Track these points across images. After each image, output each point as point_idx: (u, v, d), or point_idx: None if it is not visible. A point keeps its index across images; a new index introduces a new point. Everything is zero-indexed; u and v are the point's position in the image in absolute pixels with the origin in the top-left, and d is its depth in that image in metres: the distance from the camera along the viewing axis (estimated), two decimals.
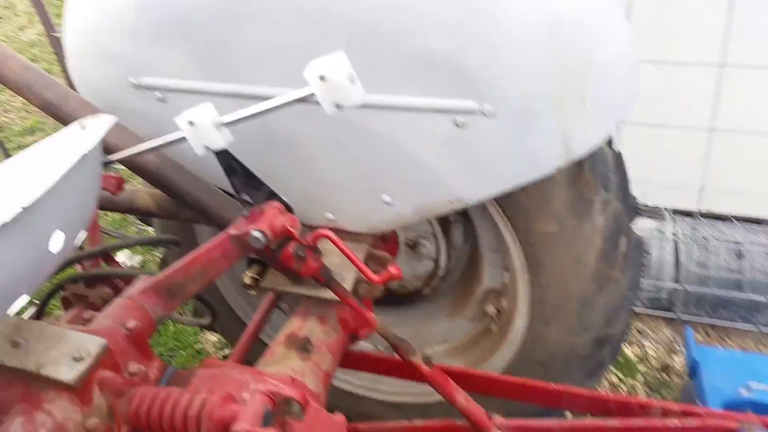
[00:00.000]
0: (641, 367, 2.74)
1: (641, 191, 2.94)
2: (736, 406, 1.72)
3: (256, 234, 1.32)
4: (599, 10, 1.35)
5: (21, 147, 4.68)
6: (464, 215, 2.03)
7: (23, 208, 0.86)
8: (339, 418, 1.32)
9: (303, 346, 1.55)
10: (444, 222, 2.10)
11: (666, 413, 1.56)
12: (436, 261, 2.14)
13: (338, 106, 1.15)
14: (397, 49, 1.35)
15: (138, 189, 1.88)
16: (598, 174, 1.67)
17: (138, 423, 1.16)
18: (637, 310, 2.92)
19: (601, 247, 1.70)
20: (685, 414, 1.53)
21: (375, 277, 1.39)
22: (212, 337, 3.00)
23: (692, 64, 2.42)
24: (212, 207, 1.65)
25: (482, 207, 1.77)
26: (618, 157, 1.75)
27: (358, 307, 1.51)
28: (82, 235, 1.21)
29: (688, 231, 2.81)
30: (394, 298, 2.27)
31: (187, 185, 1.67)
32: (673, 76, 2.65)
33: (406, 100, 1.43)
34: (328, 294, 1.58)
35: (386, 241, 2.08)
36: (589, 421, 1.58)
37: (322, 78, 1.09)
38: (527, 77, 1.35)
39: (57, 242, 1.02)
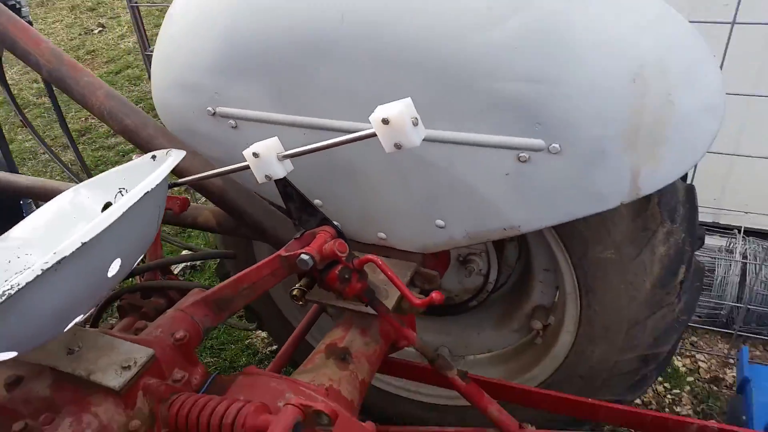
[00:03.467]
0: (689, 378, 2.65)
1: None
2: None
3: (305, 257, 1.33)
4: (689, 57, 1.26)
5: (104, 147, 4.89)
6: (520, 236, 1.98)
7: (83, 243, 0.89)
8: (369, 426, 1.34)
9: (342, 356, 1.56)
10: (498, 241, 2.05)
11: (703, 431, 1.50)
12: (486, 276, 2.10)
13: (398, 146, 1.13)
14: (470, 92, 1.32)
15: (200, 206, 1.92)
16: (666, 206, 1.58)
17: (177, 427, 1.20)
18: (694, 324, 2.81)
19: (659, 275, 1.63)
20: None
21: (417, 301, 1.38)
22: (261, 334, 3.07)
23: None
24: (269, 227, 1.70)
25: (538, 231, 1.72)
26: (689, 190, 1.65)
27: (398, 325, 1.51)
28: (140, 258, 1.24)
29: (760, 251, 2.66)
30: (440, 307, 2.25)
31: (247, 206, 1.72)
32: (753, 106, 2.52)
33: (472, 136, 1.39)
34: (370, 309, 1.58)
35: (437, 257, 2.06)
36: None
37: (385, 121, 1.07)
38: (602, 121, 1.28)
39: (114, 269, 1.04)
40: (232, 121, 1.61)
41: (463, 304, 2.21)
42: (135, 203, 0.99)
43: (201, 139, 1.67)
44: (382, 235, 1.74)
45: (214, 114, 1.62)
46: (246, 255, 2.13)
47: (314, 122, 1.51)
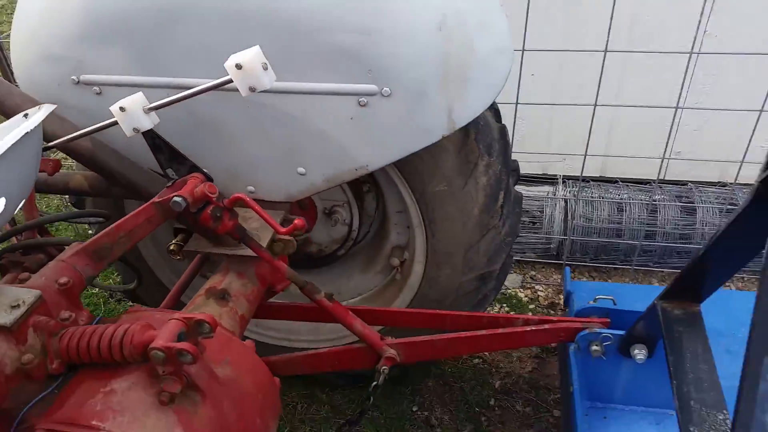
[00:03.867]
0: (531, 306, 3.11)
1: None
2: (585, 313, 1.99)
3: (177, 199, 1.50)
4: (481, 9, 1.60)
5: None
6: (375, 184, 2.25)
7: None
8: (249, 343, 1.54)
9: (221, 296, 1.75)
10: (357, 191, 2.31)
11: (527, 323, 1.86)
12: (350, 226, 2.36)
13: (252, 90, 1.33)
14: (309, 44, 1.57)
15: (72, 172, 2.00)
16: (482, 142, 1.93)
17: (69, 356, 1.32)
18: (531, 259, 3.28)
19: (484, 202, 1.98)
20: (542, 322, 1.84)
21: (282, 229, 1.60)
22: None
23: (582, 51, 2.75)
24: (141, 184, 1.82)
25: (387, 175, 2.00)
26: (502, 129, 2.02)
27: (269, 257, 1.72)
28: (22, 203, 1.35)
29: (576, 190, 3.17)
30: (313, 260, 2.49)
31: (119, 166, 1.84)
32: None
33: (317, 86, 1.64)
34: (245, 251, 1.78)
35: (305, 209, 2.29)
36: (463, 332, 1.86)
37: (238, 66, 1.27)
38: (419, 65, 1.59)
39: (0, 206, 1.16)
40: (96, 88, 1.72)
41: (332, 254, 2.46)
42: (14, 143, 1.12)
43: (67, 110, 1.76)
44: (251, 188, 1.94)
45: (78, 82, 1.73)
46: (118, 216, 2.21)
47: (174, 82, 1.67)
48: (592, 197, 3.15)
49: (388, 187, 2.21)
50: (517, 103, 2.68)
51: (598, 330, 1.77)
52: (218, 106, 1.75)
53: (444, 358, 2.00)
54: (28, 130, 1.16)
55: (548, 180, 3.37)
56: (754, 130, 2.58)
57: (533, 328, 1.83)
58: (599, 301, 1.93)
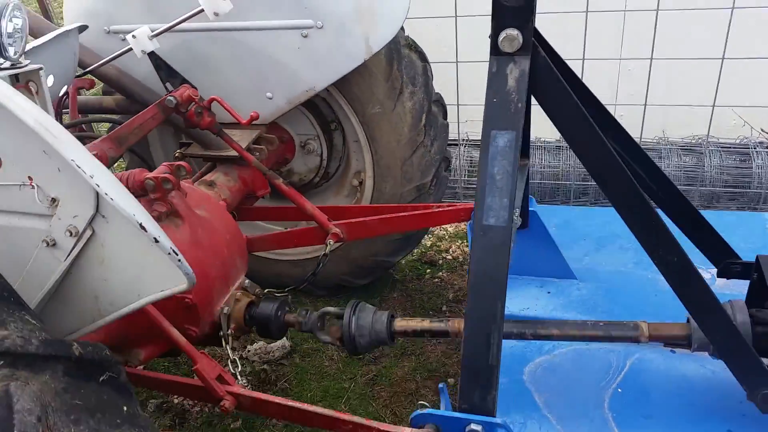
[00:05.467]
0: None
1: None
2: None
3: (170, 98, 2.17)
4: None
5: None
6: (339, 122, 2.87)
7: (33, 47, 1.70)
8: (222, 203, 2.18)
9: (209, 184, 2.40)
10: (325, 127, 2.93)
11: (439, 207, 2.39)
12: (321, 156, 2.99)
13: (216, 14, 2.00)
14: None
15: (103, 96, 2.73)
16: (408, 74, 2.54)
17: None
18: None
19: (411, 122, 2.57)
20: (450, 206, 2.37)
21: (242, 120, 2.24)
22: None
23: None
24: (151, 101, 2.50)
25: (342, 110, 2.63)
26: (425, 68, 2.63)
27: (239, 147, 2.36)
28: (66, 87, 2.04)
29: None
30: (296, 190, 3.11)
31: (137, 87, 2.54)
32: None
33: (270, 22, 2.30)
34: (230, 152, 2.43)
35: (285, 142, 2.94)
36: (389, 214, 2.41)
37: None
38: (340, 3, 2.23)
39: (51, 81, 1.85)
40: (121, 35, 2.43)
41: (310, 183, 3.08)
42: (57, 35, 1.81)
43: (103, 53, 2.47)
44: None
45: (108, 32, 2.44)
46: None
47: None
48: None
49: (345, 121, 2.82)
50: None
51: None
52: (206, 45, 2.44)
53: (377, 235, 2.55)
54: (68, 29, 1.84)
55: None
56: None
57: (442, 209, 2.38)
58: None
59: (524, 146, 1.97)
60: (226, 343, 2.03)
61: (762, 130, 3.33)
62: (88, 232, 1.18)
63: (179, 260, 1.21)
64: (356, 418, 1.54)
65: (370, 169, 2.75)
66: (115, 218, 1.17)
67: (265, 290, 2.24)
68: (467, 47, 3.49)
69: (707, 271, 1.94)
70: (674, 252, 1.45)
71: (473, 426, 1.42)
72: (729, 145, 3.36)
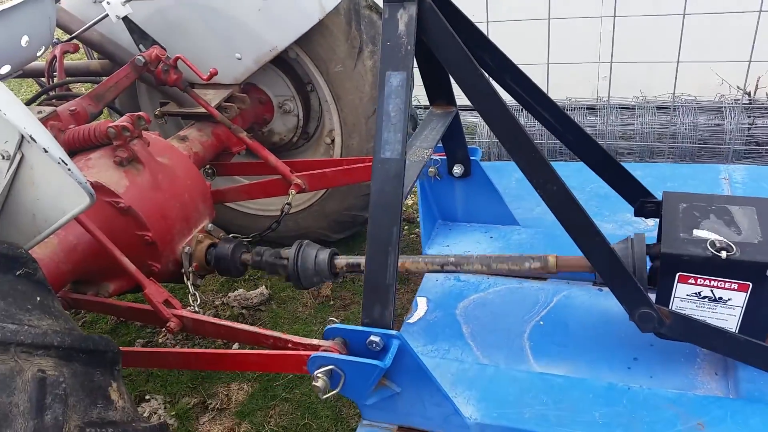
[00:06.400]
0: None
1: None
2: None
3: (140, 57, 2.38)
4: None
5: None
6: (314, 85, 3.03)
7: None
8: (186, 154, 2.39)
9: (181, 139, 2.61)
10: (301, 90, 3.09)
11: None
12: (298, 116, 3.16)
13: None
14: None
15: (90, 60, 2.97)
16: (367, 33, 2.68)
17: (68, 145, 2.20)
18: None
19: (372, 80, 2.71)
20: None
21: (203, 75, 2.43)
22: None
23: None
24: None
25: (310, 69, 2.79)
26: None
27: (207, 105, 2.55)
28: (43, 49, 2.26)
29: None
30: (278, 150, 3.30)
31: (118, 51, 2.76)
32: None
33: None
34: (201, 110, 2.64)
35: (263, 103, 3.13)
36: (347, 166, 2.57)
37: None
38: None
39: (26, 41, 2.07)
40: (105, 3, 2.64)
41: (290, 143, 3.27)
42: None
43: (90, 21, 2.70)
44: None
45: (95, 2, 2.66)
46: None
47: None
48: None
49: (316, 82, 2.98)
50: None
51: (431, 157, 2.43)
52: (178, 10, 2.63)
53: (337, 185, 2.72)
54: None
55: None
56: None
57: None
58: None
59: (449, 93, 2.09)
60: (187, 279, 2.25)
61: (738, 87, 3.33)
62: (19, 155, 1.39)
63: (69, 170, 1.37)
64: (276, 333, 1.73)
65: (338, 127, 2.91)
66: (33, 143, 1.37)
67: (230, 235, 2.45)
68: None
69: None
70: (554, 182, 1.57)
71: (372, 338, 1.58)
72: (703, 104, 3.38)
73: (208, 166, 2.84)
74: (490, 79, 1.85)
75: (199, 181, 2.42)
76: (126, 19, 2.43)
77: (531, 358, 1.90)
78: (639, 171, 2.63)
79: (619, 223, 2.34)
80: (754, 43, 3.01)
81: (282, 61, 2.94)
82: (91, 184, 2.06)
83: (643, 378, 1.73)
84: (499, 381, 1.77)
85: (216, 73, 2.48)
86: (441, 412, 1.63)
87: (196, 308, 2.15)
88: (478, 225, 2.54)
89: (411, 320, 2.17)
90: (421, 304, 2.23)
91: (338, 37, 2.64)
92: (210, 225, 2.41)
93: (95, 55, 3.33)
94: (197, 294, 2.20)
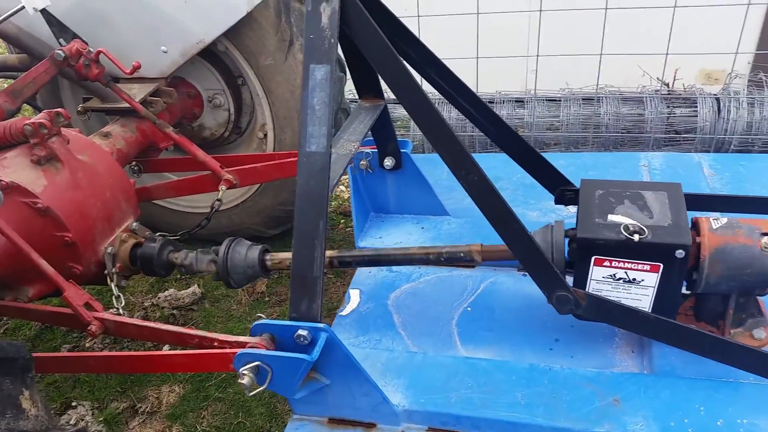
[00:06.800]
0: None
1: None
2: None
3: (59, 52, 2.28)
4: None
5: None
6: (246, 79, 2.98)
7: None
8: (107, 150, 2.31)
9: (104, 135, 2.52)
10: (232, 83, 3.04)
11: None
12: (229, 110, 3.11)
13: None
14: None
15: (6, 54, 2.82)
16: (298, 26, 2.66)
17: None
18: None
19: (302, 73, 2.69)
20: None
21: (125, 69, 2.36)
22: None
23: None
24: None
25: (240, 63, 2.74)
26: None
27: (130, 100, 2.47)
28: None
29: None
30: (210, 145, 3.23)
31: (36, 44, 2.64)
32: None
33: None
34: (124, 105, 2.55)
35: (192, 98, 3.06)
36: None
37: None
38: None
39: None
40: None
41: (223, 138, 3.21)
42: None
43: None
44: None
45: None
46: None
47: None
48: None
49: (248, 78, 2.94)
50: None
51: (363, 151, 2.44)
52: (100, 2, 2.54)
53: (269, 180, 2.70)
54: None
55: None
56: None
57: None
58: None
59: (377, 87, 2.10)
60: (111, 280, 2.18)
61: (658, 78, 3.49)
62: None
63: None
64: (201, 332, 1.70)
65: (270, 121, 2.88)
66: None
67: (157, 233, 2.39)
68: None
69: None
70: (475, 173, 1.60)
71: (300, 332, 1.57)
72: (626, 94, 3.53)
73: (134, 163, 2.77)
74: (415, 72, 1.90)
75: (122, 178, 2.34)
76: (44, 12, 2.33)
77: (459, 344, 1.94)
78: (563, 160, 2.75)
79: (543, 211, 2.42)
80: (670, 36, 3.16)
81: (211, 54, 2.89)
82: (7, 184, 2.01)
83: (564, 358, 1.80)
84: (427, 368, 1.80)
85: (139, 67, 2.41)
86: (370, 401, 1.64)
87: (121, 310, 2.10)
88: (410, 216, 2.57)
89: (343, 313, 2.17)
90: (354, 296, 2.24)
91: (268, 29, 2.61)
92: (135, 224, 2.34)
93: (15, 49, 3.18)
94: (121, 296, 2.14)
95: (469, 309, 2.08)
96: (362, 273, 2.36)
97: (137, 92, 2.65)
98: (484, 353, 1.88)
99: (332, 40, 1.58)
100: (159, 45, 2.62)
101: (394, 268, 2.34)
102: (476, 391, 1.69)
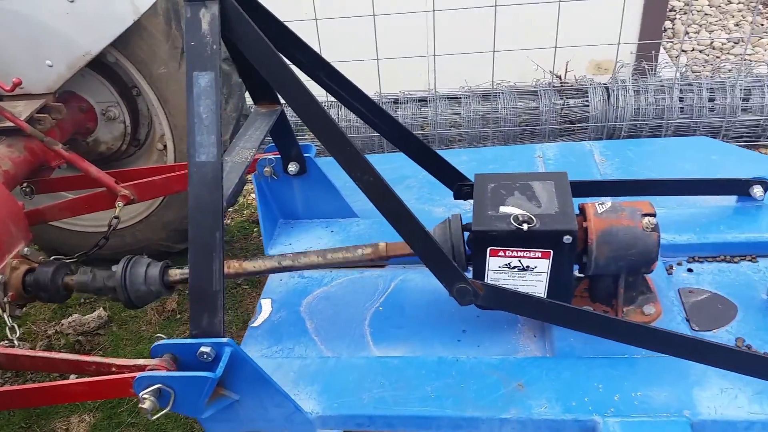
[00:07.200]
0: None
1: None
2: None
3: None
4: None
5: None
6: (139, 91, 2.87)
7: None
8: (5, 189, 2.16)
9: None
10: (126, 95, 2.92)
11: None
12: (125, 123, 2.98)
13: None
14: None
15: None
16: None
17: None
18: None
19: None
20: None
21: (5, 86, 2.22)
22: None
23: None
24: None
25: (132, 73, 2.63)
26: None
27: (13, 118, 2.33)
28: None
29: None
30: (107, 160, 3.09)
31: None
32: None
33: None
34: (7, 123, 2.39)
35: (85, 111, 2.91)
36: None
37: None
38: None
39: None
40: None
41: (120, 151, 3.07)
42: None
43: None
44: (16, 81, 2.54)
45: None
46: None
47: None
48: None
49: (142, 88, 2.83)
50: None
51: (266, 157, 2.41)
52: None
53: (169, 193, 2.63)
54: None
55: None
56: None
57: None
58: None
59: (271, 92, 2.08)
60: (3, 311, 2.04)
61: (551, 71, 3.66)
62: None
63: None
64: (98, 359, 1.63)
65: (168, 132, 2.79)
66: None
67: (52, 257, 2.26)
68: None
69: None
70: (370, 174, 1.63)
71: (203, 348, 1.53)
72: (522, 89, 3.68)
73: (25, 184, 2.62)
74: (306, 75, 1.89)
75: (9, 201, 2.20)
76: None
77: (371, 344, 1.95)
78: (465, 156, 2.83)
79: (447, 207, 2.47)
80: (557, 30, 3.32)
81: (102, 66, 2.76)
82: None
83: (471, 348, 1.85)
84: (340, 371, 1.81)
85: (20, 83, 2.27)
86: (282, 412, 1.63)
87: (16, 342, 1.97)
88: (319, 221, 2.56)
89: (255, 324, 2.14)
90: (266, 306, 2.21)
91: (158, 38, 2.53)
92: (26, 249, 2.20)
93: None
94: (16, 326, 2.01)
95: (380, 308, 2.10)
96: (273, 281, 2.33)
97: (23, 110, 2.50)
98: (396, 351, 1.90)
99: (215, 47, 1.55)
100: (42, 59, 2.48)
101: (306, 273, 2.32)
102: (388, 390, 1.71)
